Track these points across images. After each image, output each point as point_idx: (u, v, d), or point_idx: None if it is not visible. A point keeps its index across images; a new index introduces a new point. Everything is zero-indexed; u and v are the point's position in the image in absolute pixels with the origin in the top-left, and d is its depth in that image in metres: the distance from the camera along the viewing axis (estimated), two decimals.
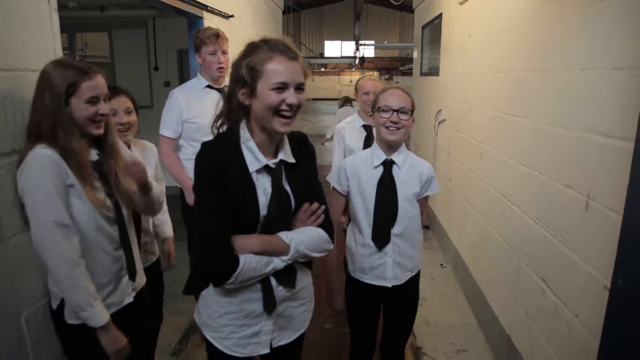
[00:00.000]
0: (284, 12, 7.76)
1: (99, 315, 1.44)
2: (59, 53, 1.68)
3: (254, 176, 1.35)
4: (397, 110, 1.82)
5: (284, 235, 1.38)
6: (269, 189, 1.36)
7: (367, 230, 1.88)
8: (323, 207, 1.46)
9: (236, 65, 1.33)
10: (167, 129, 2.64)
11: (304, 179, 1.45)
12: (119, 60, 6.28)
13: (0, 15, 1.44)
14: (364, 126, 3.00)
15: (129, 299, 1.65)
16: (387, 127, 1.83)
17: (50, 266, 1.39)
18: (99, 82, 1.47)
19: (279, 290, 1.42)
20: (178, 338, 2.88)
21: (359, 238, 1.92)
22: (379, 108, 1.86)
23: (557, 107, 2.07)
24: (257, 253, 1.34)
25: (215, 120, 1.43)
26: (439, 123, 4.62)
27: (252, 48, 1.31)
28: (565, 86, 2.00)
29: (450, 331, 3.06)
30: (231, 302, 1.40)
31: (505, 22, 2.81)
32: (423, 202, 1.98)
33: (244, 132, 1.36)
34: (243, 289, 1.38)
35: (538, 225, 2.21)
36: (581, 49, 1.88)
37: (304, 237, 1.40)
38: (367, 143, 2.99)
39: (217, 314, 1.42)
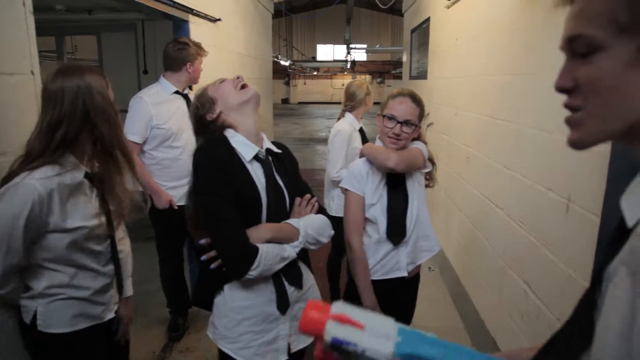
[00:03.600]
0: (275, 16, 7.75)
1: None
2: (34, 56, 1.65)
3: (249, 167, 1.42)
4: (401, 122, 1.80)
5: (292, 221, 1.44)
6: (263, 179, 1.43)
7: (382, 228, 1.85)
8: (314, 198, 1.54)
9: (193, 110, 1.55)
10: (134, 134, 2.60)
11: (291, 174, 1.53)
12: (107, 64, 6.23)
13: None
14: (362, 130, 3.10)
15: (109, 315, 1.61)
16: (389, 137, 1.82)
17: None
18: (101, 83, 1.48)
19: (291, 290, 1.46)
20: (162, 345, 2.85)
21: (374, 236, 1.87)
22: (385, 115, 1.83)
23: (539, 111, 2.08)
24: (269, 241, 1.37)
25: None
26: (427, 126, 4.63)
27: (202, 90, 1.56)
28: (547, 90, 2.00)
29: (437, 334, 3.02)
30: (249, 306, 1.42)
31: (490, 26, 2.83)
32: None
33: (228, 132, 1.46)
34: (258, 292, 1.41)
35: (521, 229, 2.21)
36: (562, 53, 1.88)
37: (311, 221, 1.46)
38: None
39: (235, 322, 1.42)
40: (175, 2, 3.03)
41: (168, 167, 2.71)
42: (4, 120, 1.52)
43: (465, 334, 3.06)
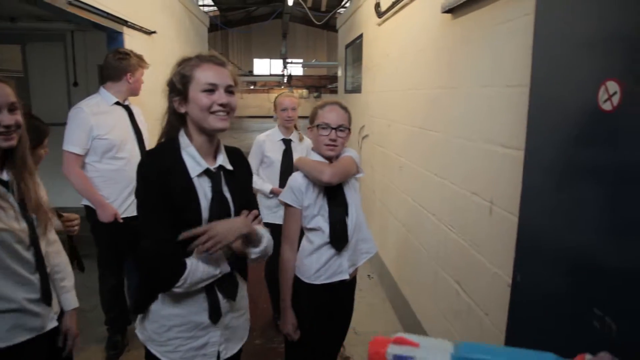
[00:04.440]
0: (210, 30, 7.72)
1: None
2: None
3: (195, 181, 1.39)
4: (335, 129, 1.89)
5: (258, 227, 1.45)
6: (209, 194, 1.41)
7: (325, 235, 1.91)
8: (260, 216, 1.53)
9: (170, 78, 1.41)
10: (75, 145, 2.56)
11: (240, 187, 1.52)
12: (33, 75, 5.93)
13: None
14: (283, 139, 3.12)
15: (53, 323, 1.56)
16: (326, 145, 1.90)
17: None
18: (1, 92, 1.37)
19: (224, 301, 1.46)
20: None
21: (317, 242, 1.92)
22: (318, 125, 1.91)
23: (463, 121, 2.24)
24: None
25: (161, 136, 1.48)
26: (363, 138, 4.79)
27: (182, 60, 1.42)
28: (469, 102, 2.18)
29: None
30: (179, 314, 1.42)
31: (418, 43, 3.01)
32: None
33: (183, 140, 1.42)
34: (191, 301, 1.41)
35: (451, 232, 2.36)
36: (481, 68, 2.06)
37: (268, 235, 1.50)
38: (286, 156, 3.08)
39: (165, 328, 1.42)
40: (108, 14, 2.98)
41: (112, 179, 2.65)
42: None
43: None
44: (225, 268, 1.42)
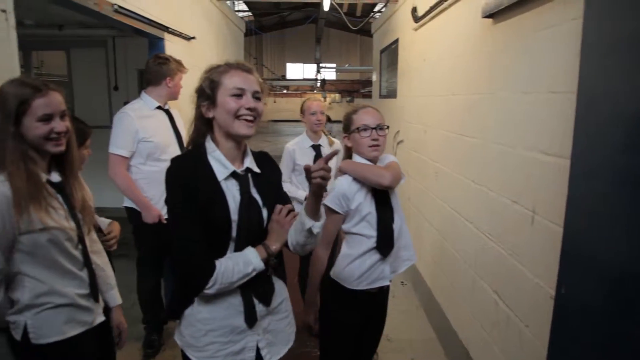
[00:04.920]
0: (246, 35, 7.83)
1: None
2: (16, 70, 1.66)
3: (223, 184, 1.40)
4: (374, 128, 1.90)
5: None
6: (238, 196, 1.41)
7: (371, 241, 1.91)
8: (295, 212, 1.53)
9: (200, 84, 1.44)
10: (121, 148, 2.64)
11: (270, 188, 1.52)
12: (77, 80, 6.16)
13: None
14: (313, 146, 3.11)
15: (101, 318, 1.65)
16: (370, 146, 1.90)
17: None
18: (54, 99, 1.44)
19: (260, 305, 1.46)
20: None
21: (361, 248, 1.91)
22: (357, 128, 1.91)
23: (502, 128, 2.20)
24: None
25: (188, 144, 1.51)
26: (398, 144, 4.75)
27: (210, 68, 1.45)
28: (509, 108, 2.13)
29: (411, 347, 3.11)
30: (215, 318, 1.42)
31: (456, 48, 2.97)
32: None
33: (209, 145, 1.44)
34: (226, 304, 1.41)
35: (490, 240, 2.31)
36: (522, 74, 2.01)
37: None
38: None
39: (201, 333, 1.43)
40: (151, 20, 3.07)
41: (155, 181, 2.71)
42: None
43: (438, 345, 3.13)
44: (259, 265, 1.40)
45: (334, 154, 1.39)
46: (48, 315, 1.47)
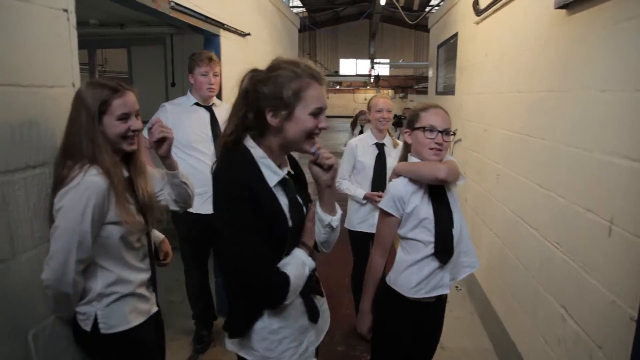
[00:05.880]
0: (300, 30, 7.82)
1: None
2: (76, 69, 1.69)
3: (274, 190, 1.37)
4: (442, 132, 1.79)
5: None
6: (286, 201, 1.39)
7: (429, 247, 1.81)
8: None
9: (270, 85, 1.31)
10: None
11: (304, 191, 1.51)
12: (136, 76, 6.36)
13: (18, 31, 1.45)
14: (376, 144, 3.02)
15: (155, 308, 1.72)
16: (431, 149, 1.80)
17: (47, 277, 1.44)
18: (130, 99, 1.52)
19: (316, 298, 1.48)
20: (186, 357, 2.84)
21: (418, 254, 1.82)
22: (423, 128, 1.80)
23: (575, 128, 2.02)
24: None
25: (228, 134, 1.39)
26: (455, 142, 4.57)
27: (285, 71, 1.32)
28: (584, 107, 1.96)
29: (466, 356, 2.98)
30: (286, 325, 1.41)
31: (522, 42, 2.79)
32: None
33: (256, 151, 1.36)
34: (290, 308, 1.40)
35: (558, 250, 2.14)
36: (600, 70, 1.84)
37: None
38: (379, 160, 2.98)
39: (276, 343, 1.40)
40: (207, 17, 3.08)
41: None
42: (45, 132, 1.55)
43: (495, 356, 2.97)
44: (312, 264, 1.41)
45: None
46: (116, 305, 1.55)
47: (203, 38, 3.42)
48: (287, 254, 1.38)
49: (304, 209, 1.46)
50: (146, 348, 1.66)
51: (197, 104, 2.81)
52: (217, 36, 3.37)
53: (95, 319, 1.52)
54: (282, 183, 1.38)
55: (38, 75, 1.53)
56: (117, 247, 1.53)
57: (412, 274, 1.83)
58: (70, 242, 1.41)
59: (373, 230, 1.97)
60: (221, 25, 3.38)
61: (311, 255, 1.43)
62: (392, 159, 2.89)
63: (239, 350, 1.44)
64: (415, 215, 1.81)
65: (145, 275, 1.65)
